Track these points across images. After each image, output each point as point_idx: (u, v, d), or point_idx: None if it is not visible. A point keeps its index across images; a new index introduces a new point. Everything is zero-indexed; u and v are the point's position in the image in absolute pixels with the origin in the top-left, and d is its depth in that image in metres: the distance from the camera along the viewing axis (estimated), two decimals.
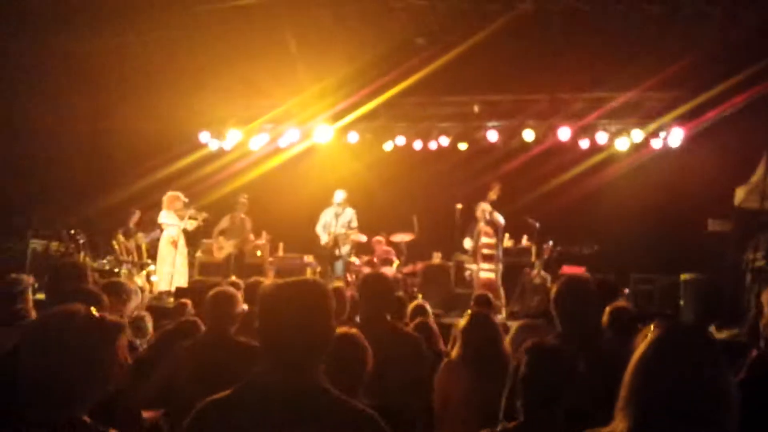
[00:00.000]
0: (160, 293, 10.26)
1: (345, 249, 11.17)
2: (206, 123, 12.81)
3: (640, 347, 1.88)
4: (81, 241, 10.55)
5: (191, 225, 10.83)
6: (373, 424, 2.02)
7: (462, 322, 3.85)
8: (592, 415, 2.61)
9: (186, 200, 10.85)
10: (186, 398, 2.69)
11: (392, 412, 2.55)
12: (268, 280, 10.82)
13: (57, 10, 9.36)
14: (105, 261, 10.77)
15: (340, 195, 11.18)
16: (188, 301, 6.50)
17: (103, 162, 12.84)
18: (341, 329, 2.95)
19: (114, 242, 10.88)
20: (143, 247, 11.20)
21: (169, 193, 10.79)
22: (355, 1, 9.78)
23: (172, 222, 10.71)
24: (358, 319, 4.39)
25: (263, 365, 2.05)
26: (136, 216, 11.43)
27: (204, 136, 12.78)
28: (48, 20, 9.64)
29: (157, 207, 10.93)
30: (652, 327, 1.97)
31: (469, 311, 3.92)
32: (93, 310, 2.05)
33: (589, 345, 3.33)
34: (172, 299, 8.97)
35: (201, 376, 3.54)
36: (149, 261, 11.11)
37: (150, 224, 11.37)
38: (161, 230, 10.82)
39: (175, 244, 10.62)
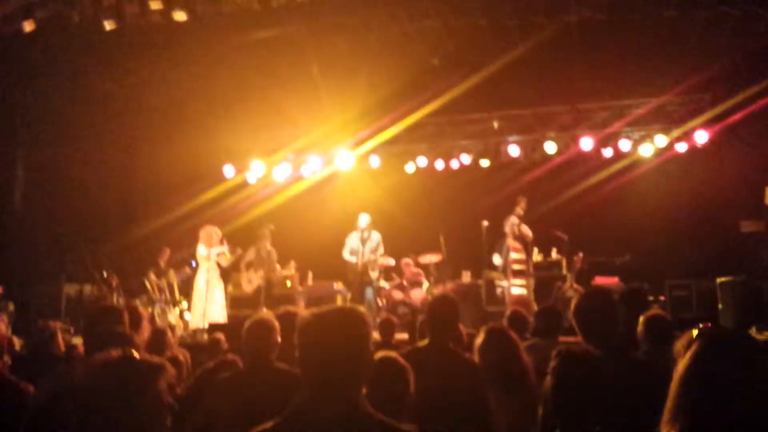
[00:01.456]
0: (194, 330, 10.25)
1: (374, 274, 11.16)
2: (230, 156, 12.96)
3: (685, 358, 1.85)
4: (114, 283, 10.63)
5: (225, 260, 10.85)
6: None
7: (479, 339, 3.78)
8: (630, 427, 2.54)
9: (220, 234, 10.86)
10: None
11: None
12: (299, 310, 10.87)
13: (81, 50, 9.51)
14: (138, 301, 10.82)
15: (364, 219, 11.18)
16: (221, 336, 6.50)
17: (129, 199, 12.99)
18: (381, 353, 2.94)
19: (146, 281, 10.96)
20: (175, 285, 11.25)
21: (207, 228, 10.71)
22: (372, 29, 9.84)
23: (210, 256, 10.65)
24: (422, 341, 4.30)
25: (305, 394, 2.07)
26: (165, 254, 11.51)
27: (228, 170, 12.93)
28: (74, 60, 9.81)
29: (186, 244, 10.97)
30: (693, 335, 1.94)
31: (485, 327, 3.85)
32: (134, 353, 2.08)
33: (619, 358, 3.17)
34: (206, 336, 8.99)
35: (244, 407, 3.51)
36: (182, 298, 11.17)
37: (180, 262, 11.43)
38: (191, 267, 10.84)
39: (211, 278, 10.61)
